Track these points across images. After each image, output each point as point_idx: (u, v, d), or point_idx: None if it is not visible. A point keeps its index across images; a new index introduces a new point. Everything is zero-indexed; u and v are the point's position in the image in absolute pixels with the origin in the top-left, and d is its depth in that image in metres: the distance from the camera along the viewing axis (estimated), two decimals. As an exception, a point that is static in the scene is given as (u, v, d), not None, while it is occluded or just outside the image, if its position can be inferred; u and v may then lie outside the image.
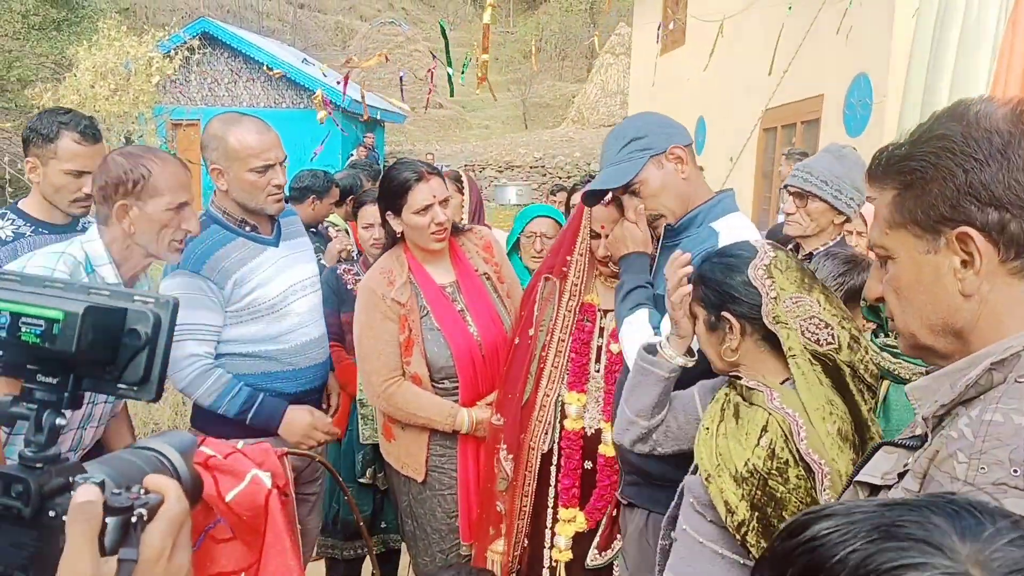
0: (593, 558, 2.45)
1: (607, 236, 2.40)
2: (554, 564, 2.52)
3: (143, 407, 5.67)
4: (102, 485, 0.70)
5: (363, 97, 6.73)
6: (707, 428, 1.73)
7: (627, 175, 2.18)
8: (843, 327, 1.68)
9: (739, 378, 1.76)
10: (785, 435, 1.59)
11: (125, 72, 10.49)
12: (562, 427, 2.48)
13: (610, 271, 2.47)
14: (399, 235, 2.72)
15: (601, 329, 2.49)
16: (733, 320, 1.72)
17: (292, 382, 2.68)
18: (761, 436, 1.61)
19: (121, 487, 0.71)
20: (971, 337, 1.08)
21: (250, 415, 2.55)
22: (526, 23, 36.27)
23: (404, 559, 3.36)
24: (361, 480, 3.32)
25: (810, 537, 0.65)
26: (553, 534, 2.52)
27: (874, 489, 1.16)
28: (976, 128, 1.05)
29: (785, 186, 2.97)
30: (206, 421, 2.59)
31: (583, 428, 2.46)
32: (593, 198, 2.35)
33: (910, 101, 3.74)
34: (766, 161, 10.17)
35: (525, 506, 2.51)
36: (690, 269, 1.88)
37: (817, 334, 1.66)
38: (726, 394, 1.78)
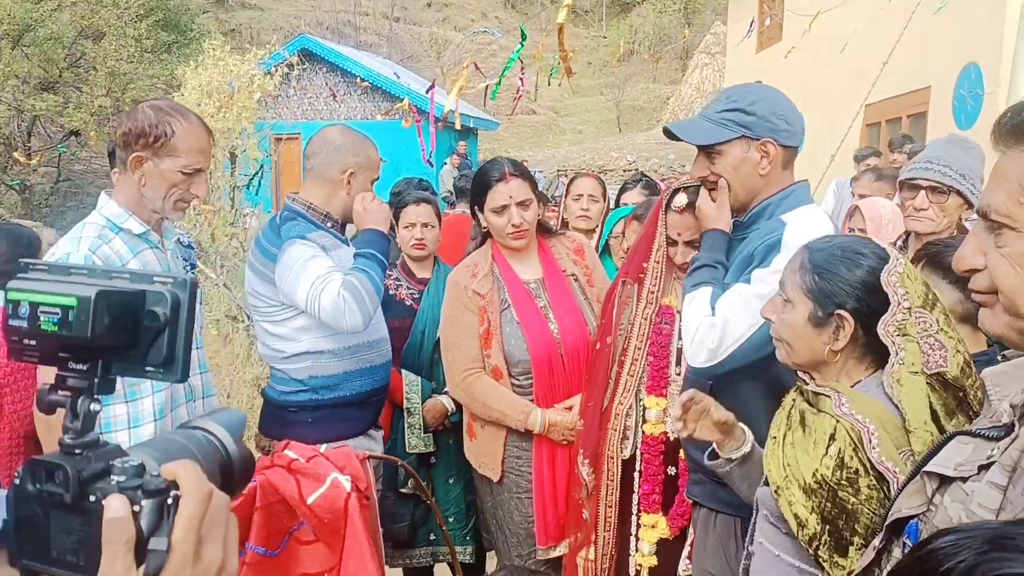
0: (685, 568, 2.38)
1: (686, 244, 2.36)
2: (638, 570, 2.47)
3: (246, 410, 5.87)
4: (141, 469, 0.69)
5: (455, 103, 6.78)
6: (774, 438, 1.64)
7: (710, 137, 2.10)
8: (958, 351, 1.56)
9: (806, 383, 1.66)
10: (855, 443, 1.49)
11: (229, 90, 10.91)
12: (643, 432, 2.43)
13: None
14: (487, 230, 2.79)
15: (680, 331, 2.43)
16: (850, 321, 1.60)
17: (369, 379, 2.72)
18: (829, 445, 1.51)
19: (160, 469, 0.71)
20: None
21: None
22: (619, 26, 36.05)
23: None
24: (403, 490, 3.17)
25: (929, 550, 0.66)
26: (637, 540, 2.47)
27: (944, 480, 1.08)
28: None
29: (910, 180, 2.78)
30: (274, 424, 2.65)
31: (664, 433, 2.41)
32: (671, 137, 2.26)
33: (1019, 90, 3.52)
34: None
35: (610, 516, 2.47)
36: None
37: (930, 355, 1.54)
38: (792, 400, 1.69)
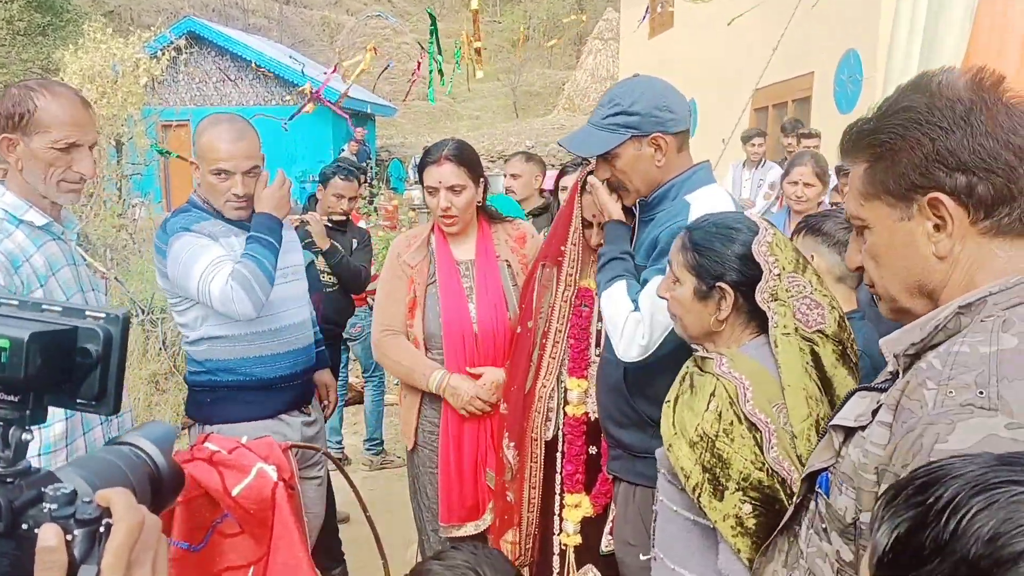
0: (607, 543, 2.46)
1: (600, 225, 2.42)
2: (563, 549, 2.53)
3: (143, 408, 5.69)
4: (73, 496, 0.70)
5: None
6: (668, 401, 1.79)
7: (602, 146, 2.19)
8: (832, 306, 1.71)
9: (696, 350, 1.81)
10: (731, 398, 1.64)
11: (113, 75, 10.42)
12: (565, 413, 2.49)
13: None
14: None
15: (600, 313, 2.50)
16: (730, 292, 1.73)
17: (271, 366, 2.72)
18: (710, 401, 1.66)
19: (93, 494, 0.71)
20: (944, 296, 1.15)
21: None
22: (513, 12, 36.13)
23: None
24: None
25: (938, 465, 0.70)
26: (561, 520, 2.53)
27: (848, 432, 1.20)
28: (939, 98, 1.11)
29: (843, 168, 2.88)
30: (189, 404, 2.71)
31: (586, 413, 2.47)
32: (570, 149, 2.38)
33: (896, 76, 3.73)
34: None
35: (534, 497, 2.52)
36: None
37: (808, 314, 1.69)
38: (687, 367, 1.83)
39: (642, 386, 2.17)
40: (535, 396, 2.50)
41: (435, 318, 2.73)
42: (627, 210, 2.36)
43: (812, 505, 1.28)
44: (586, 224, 2.48)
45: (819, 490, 1.24)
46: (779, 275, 1.70)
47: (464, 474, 2.73)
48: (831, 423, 1.26)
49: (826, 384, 1.67)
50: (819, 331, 1.68)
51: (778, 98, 9.54)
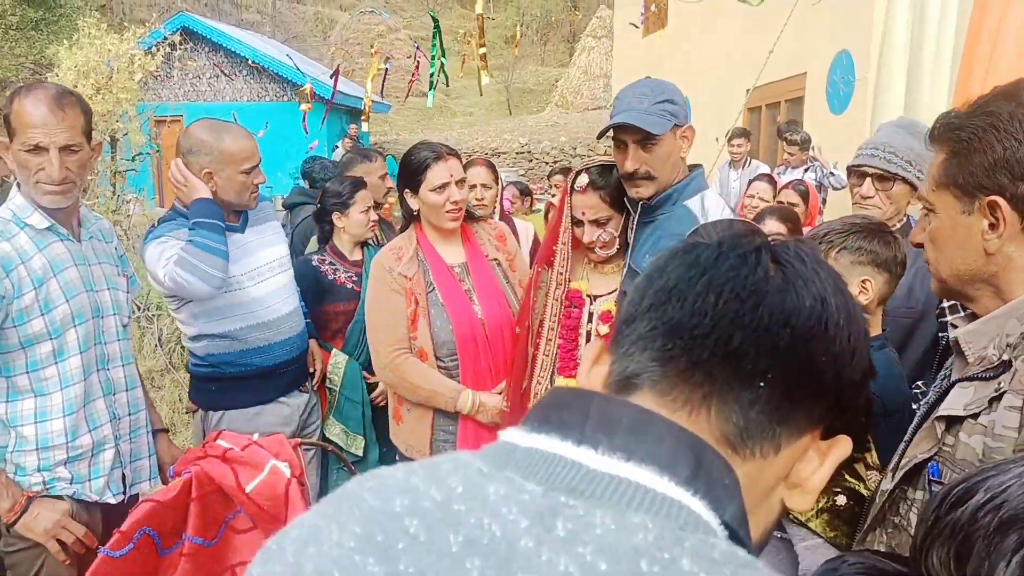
0: None
1: (591, 223, 2.45)
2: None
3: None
4: None
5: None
6: None
7: (658, 128, 2.22)
8: None
9: None
10: None
11: (107, 70, 10.39)
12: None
13: (598, 256, 2.51)
14: (415, 214, 2.82)
15: (590, 314, 2.54)
16: None
17: (268, 355, 2.88)
18: None
19: None
20: (997, 285, 1.27)
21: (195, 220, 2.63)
22: (507, 8, 36.14)
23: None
24: None
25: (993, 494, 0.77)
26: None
27: (954, 420, 1.27)
28: (1022, 109, 1.21)
29: (856, 167, 2.73)
30: (193, 392, 2.79)
31: None
32: (604, 133, 2.38)
33: (887, 77, 3.80)
34: (751, 141, 10.23)
35: None
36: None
37: None
38: None
39: None
40: (531, 393, 2.54)
41: (443, 324, 2.71)
42: (626, 209, 2.42)
43: (916, 494, 1.33)
44: (576, 222, 2.50)
45: (933, 478, 1.30)
46: None
47: None
48: (936, 414, 1.31)
49: None
50: None
51: (771, 98, 9.59)
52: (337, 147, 15.93)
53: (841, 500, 1.62)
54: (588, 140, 20.25)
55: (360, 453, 3.29)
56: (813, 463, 0.70)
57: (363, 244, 3.53)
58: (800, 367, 0.66)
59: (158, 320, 6.82)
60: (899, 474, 1.36)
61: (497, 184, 4.07)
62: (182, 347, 7.08)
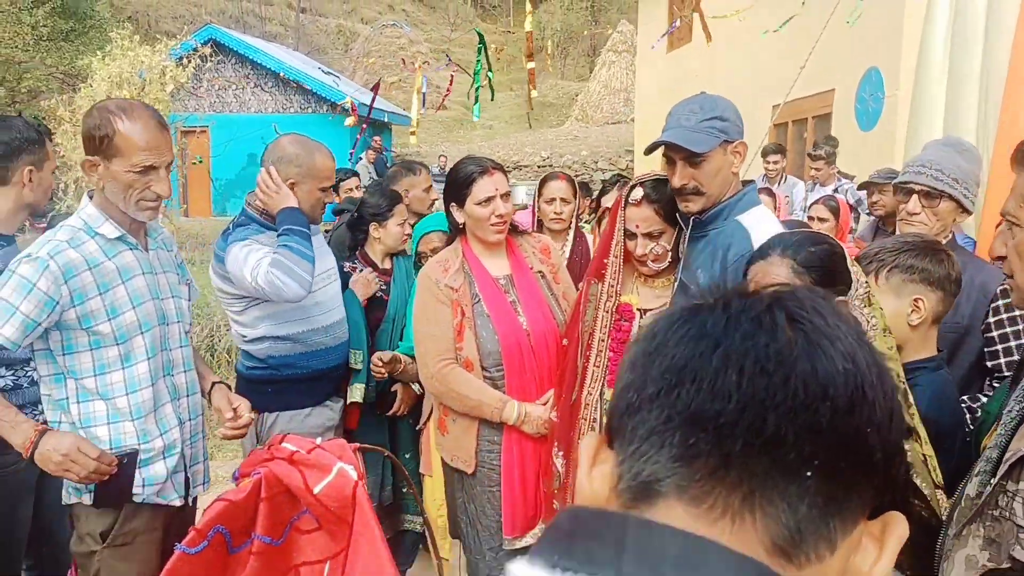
0: None
1: (644, 235, 2.48)
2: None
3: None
4: None
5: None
6: None
7: (703, 146, 2.25)
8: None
9: None
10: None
11: (140, 81, 10.58)
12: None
13: (649, 270, 2.54)
14: (461, 227, 2.86)
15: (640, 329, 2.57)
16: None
17: (322, 359, 3.02)
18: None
19: None
20: None
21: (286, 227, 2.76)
22: (526, 22, 36.30)
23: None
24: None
25: None
26: (602, 531, 2.59)
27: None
28: None
29: (903, 183, 2.76)
30: (244, 394, 2.80)
31: None
32: (652, 150, 2.37)
33: (923, 94, 3.79)
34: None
35: None
36: None
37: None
38: None
39: None
40: (581, 404, 2.57)
41: (489, 335, 2.75)
42: (678, 224, 2.46)
43: (1019, 486, 1.36)
44: (629, 235, 2.53)
45: None
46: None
47: (527, 486, 2.77)
48: (1008, 459, 1.35)
49: None
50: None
51: (798, 115, 9.62)
52: (361, 159, 16.09)
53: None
54: (609, 154, 20.34)
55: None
56: (871, 554, 0.58)
57: (393, 254, 3.60)
58: (847, 444, 0.56)
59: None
60: (1003, 468, 1.39)
61: (576, 198, 4.02)
62: (212, 354, 7.19)
